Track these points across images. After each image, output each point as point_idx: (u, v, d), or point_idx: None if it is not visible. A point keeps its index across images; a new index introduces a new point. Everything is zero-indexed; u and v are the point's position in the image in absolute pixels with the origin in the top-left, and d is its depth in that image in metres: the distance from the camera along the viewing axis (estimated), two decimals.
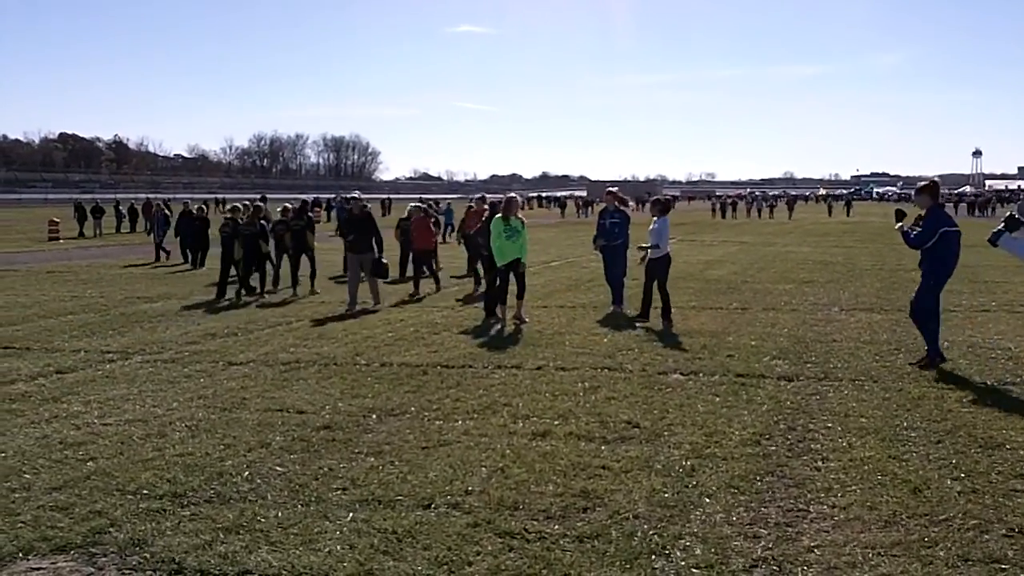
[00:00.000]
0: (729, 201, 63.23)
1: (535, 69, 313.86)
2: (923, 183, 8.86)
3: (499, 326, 11.36)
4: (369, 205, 16.06)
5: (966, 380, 8.02)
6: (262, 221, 15.53)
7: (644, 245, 11.95)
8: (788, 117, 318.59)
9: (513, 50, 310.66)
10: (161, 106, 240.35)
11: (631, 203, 13.38)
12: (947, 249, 8.53)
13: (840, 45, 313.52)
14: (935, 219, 8.52)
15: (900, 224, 8.95)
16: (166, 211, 25.92)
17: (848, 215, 59.04)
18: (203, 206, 22.72)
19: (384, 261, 13.70)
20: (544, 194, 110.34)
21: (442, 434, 6.34)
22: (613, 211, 13.06)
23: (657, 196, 14.55)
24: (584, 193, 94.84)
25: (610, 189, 13.70)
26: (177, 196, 75.36)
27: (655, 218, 11.97)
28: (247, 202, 17.88)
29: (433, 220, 20.77)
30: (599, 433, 6.33)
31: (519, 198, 13.05)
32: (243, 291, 14.88)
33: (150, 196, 58.36)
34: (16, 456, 5.88)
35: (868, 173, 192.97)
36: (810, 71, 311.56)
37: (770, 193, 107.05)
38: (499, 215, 11.98)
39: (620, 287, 12.87)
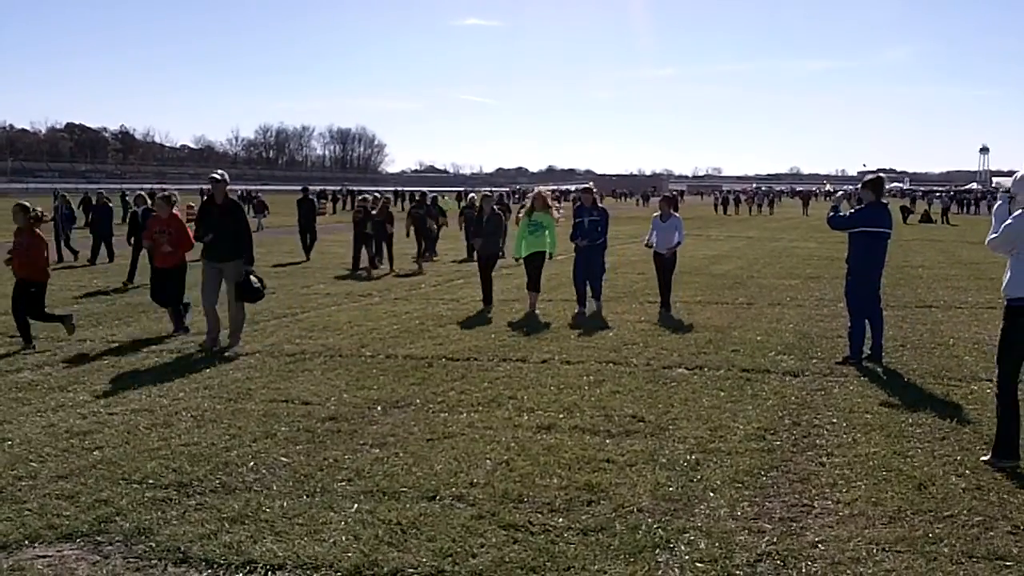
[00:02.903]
0: (732, 197, 62.89)
1: (541, 63, 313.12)
2: (869, 177, 8.87)
3: (530, 312, 11.82)
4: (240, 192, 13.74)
5: (971, 376, 8.00)
6: (390, 210, 19.43)
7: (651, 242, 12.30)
8: (795, 112, 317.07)
9: (520, 44, 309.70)
10: (168, 97, 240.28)
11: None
12: (863, 248, 8.56)
13: (847, 40, 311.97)
14: (861, 215, 8.60)
15: (837, 204, 9.19)
16: (70, 203, 22.12)
17: None
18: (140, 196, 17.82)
19: (255, 279, 9.60)
20: (551, 188, 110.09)
21: (447, 426, 6.35)
22: (591, 208, 12.25)
23: (665, 193, 14.49)
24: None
25: (586, 186, 13.05)
26: (184, 186, 75.59)
27: (667, 216, 12.27)
28: (376, 194, 22.44)
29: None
30: (604, 427, 6.34)
31: (546, 193, 12.78)
32: (371, 266, 18.00)
33: (155, 186, 58.39)
34: (23, 444, 5.91)
35: (875, 169, 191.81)
36: (817, 66, 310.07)
37: (776, 188, 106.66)
38: (525, 211, 12.39)
39: (599, 287, 12.14)
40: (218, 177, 9.72)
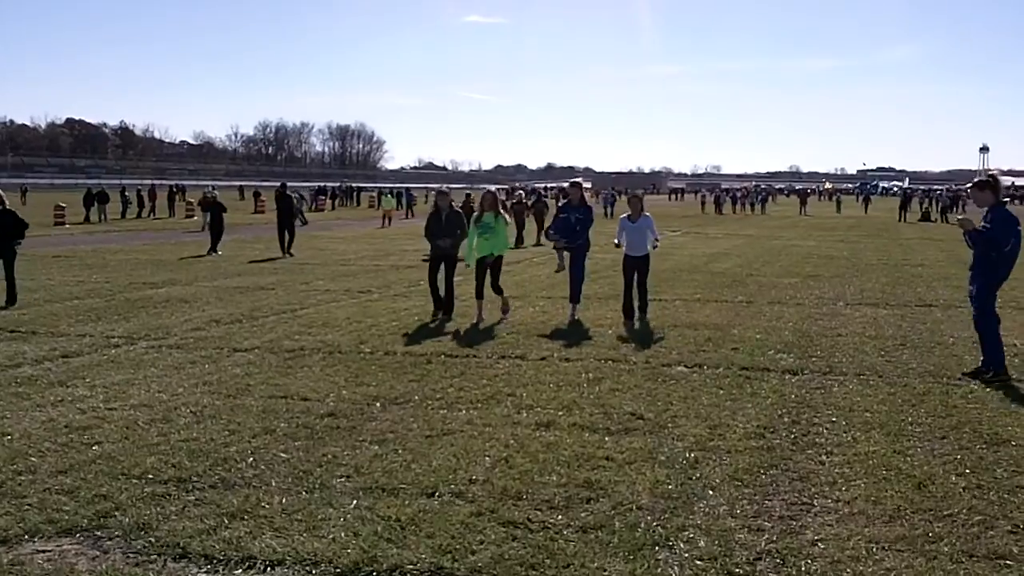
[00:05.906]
0: (728, 195, 61.68)
1: (541, 60, 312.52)
2: (982, 178, 8.02)
3: (476, 320, 10.87)
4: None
5: (971, 375, 7.99)
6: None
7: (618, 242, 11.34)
8: (795, 110, 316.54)
9: (520, 41, 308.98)
10: (167, 93, 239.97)
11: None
12: (1018, 250, 7.79)
13: (847, 39, 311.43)
14: (1008, 219, 7.71)
15: (969, 219, 8.01)
16: None
17: (866, 212, 56.21)
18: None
19: None
20: (550, 185, 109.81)
21: (446, 423, 6.34)
22: (578, 205, 11.42)
23: (634, 192, 13.36)
24: (589, 185, 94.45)
25: (576, 180, 12.01)
26: (184, 182, 75.58)
27: (638, 216, 11.26)
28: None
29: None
30: (603, 424, 6.33)
31: (495, 192, 11.87)
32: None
33: (155, 182, 58.57)
34: (22, 439, 5.90)
35: (874, 167, 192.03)
36: (817, 65, 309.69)
37: (775, 186, 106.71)
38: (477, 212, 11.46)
39: (578, 290, 11.38)
40: None
